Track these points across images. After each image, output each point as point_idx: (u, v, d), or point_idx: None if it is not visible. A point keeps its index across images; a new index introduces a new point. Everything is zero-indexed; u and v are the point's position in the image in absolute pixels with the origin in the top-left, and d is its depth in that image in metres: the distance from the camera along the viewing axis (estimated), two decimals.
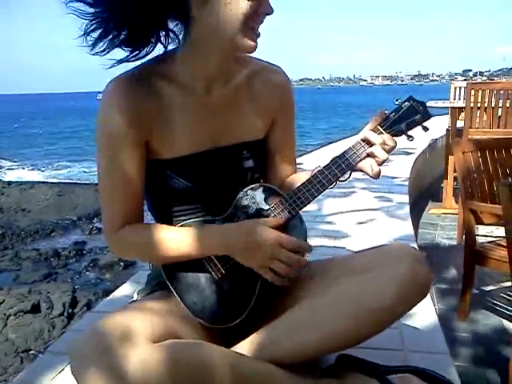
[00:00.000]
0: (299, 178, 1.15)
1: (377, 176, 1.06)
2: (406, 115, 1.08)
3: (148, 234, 1.07)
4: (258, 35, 1.01)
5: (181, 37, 1.04)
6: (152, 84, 1.04)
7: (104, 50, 1.01)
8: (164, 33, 1.04)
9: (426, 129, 1.09)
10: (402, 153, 5.35)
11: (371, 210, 3.42)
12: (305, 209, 1.08)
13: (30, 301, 4.44)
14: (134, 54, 1.04)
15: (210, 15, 0.98)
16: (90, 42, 1.00)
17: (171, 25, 1.03)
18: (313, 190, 1.06)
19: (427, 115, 1.09)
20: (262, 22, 1.01)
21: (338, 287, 1.05)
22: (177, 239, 1.05)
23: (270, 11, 1.00)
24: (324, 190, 1.07)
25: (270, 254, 1.02)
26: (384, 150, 1.05)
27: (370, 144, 1.06)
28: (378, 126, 1.07)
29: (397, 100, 1.11)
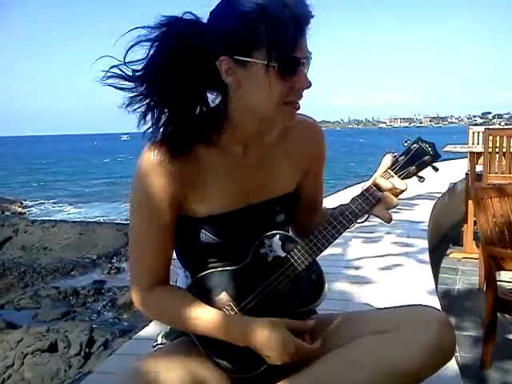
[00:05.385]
0: (319, 221, 1.16)
1: (389, 221, 1.07)
2: (415, 157, 1.07)
3: (177, 306, 1.07)
4: (298, 108, 1.01)
5: (217, 102, 1.07)
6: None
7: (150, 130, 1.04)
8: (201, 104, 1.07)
9: (436, 169, 1.09)
10: (422, 197, 5.34)
11: (390, 255, 3.40)
12: (323, 253, 1.09)
13: (48, 340, 4.45)
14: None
15: (245, 97, 1.00)
16: (139, 121, 1.03)
17: (209, 95, 1.07)
18: (328, 235, 1.07)
19: (436, 155, 1.09)
20: (301, 96, 1.00)
21: (362, 344, 1.04)
22: (204, 320, 1.05)
23: (308, 85, 0.98)
24: (339, 236, 1.08)
25: (285, 355, 1.02)
26: (395, 194, 1.05)
27: (381, 189, 1.06)
28: (389, 170, 1.07)
29: (405, 142, 1.10)
